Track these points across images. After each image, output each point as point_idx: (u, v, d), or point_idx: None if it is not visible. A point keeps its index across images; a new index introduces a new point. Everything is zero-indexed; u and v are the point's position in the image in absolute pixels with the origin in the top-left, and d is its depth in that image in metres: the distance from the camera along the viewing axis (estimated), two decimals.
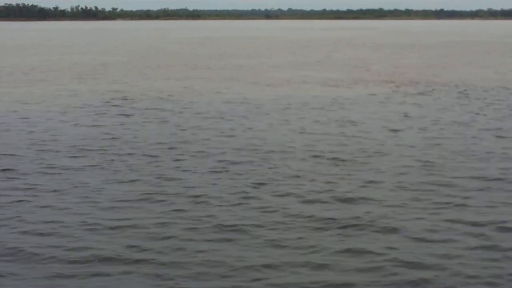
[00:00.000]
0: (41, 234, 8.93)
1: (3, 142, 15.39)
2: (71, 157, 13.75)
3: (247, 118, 18.71)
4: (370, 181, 11.51)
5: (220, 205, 10.09)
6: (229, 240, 8.64)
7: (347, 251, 8.23)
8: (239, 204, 10.18)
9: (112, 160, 13.39)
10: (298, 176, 11.88)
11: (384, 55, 48.49)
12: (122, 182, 11.60)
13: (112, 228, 9.08)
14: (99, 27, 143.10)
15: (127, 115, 19.44)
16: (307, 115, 19.17)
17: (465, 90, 25.41)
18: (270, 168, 12.52)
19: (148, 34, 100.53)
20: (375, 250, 8.23)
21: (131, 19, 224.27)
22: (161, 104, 21.77)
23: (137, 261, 7.95)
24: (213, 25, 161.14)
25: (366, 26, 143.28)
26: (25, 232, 9.03)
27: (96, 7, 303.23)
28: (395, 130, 16.72)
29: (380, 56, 46.78)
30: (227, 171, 12.30)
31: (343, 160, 13.15)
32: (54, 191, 11.07)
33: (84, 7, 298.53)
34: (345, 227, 9.09)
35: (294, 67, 37.68)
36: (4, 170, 12.56)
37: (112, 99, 23.23)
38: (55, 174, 12.25)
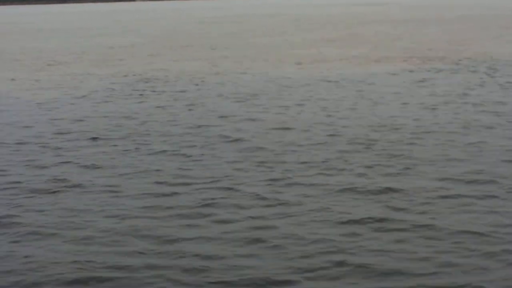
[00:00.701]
0: (60, 235, 8.44)
1: (23, 130, 15.01)
2: (93, 145, 13.29)
3: (273, 100, 18.12)
4: (406, 168, 10.84)
5: (249, 201, 9.44)
6: (263, 242, 7.98)
7: (385, 251, 7.55)
8: (268, 198, 9.53)
9: (137, 148, 12.91)
10: (328, 164, 11.28)
11: (405, 30, 47.42)
12: (147, 171, 11.10)
13: (135, 230, 8.45)
14: (118, 9, 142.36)
15: (151, 99, 18.96)
16: (335, 96, 18.52)
17: (494, 65, 24.56)
18: (299, 155, 11.92)
19: (166, 15, 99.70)
20: (417, 252, 7.52)
21: (150, 0, 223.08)
22: (185, 87, 21.25)
23: (164, 267, 7.37)
24: (229, 4, 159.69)
25: (381, 1, 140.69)
26: (41, 233, 8.54)
27: None
28: (427, 109, 16.06)
29: (401, 32, 45.74)
30: (255, 160, 11.73)
31: (375, 145, 12.50)
32: (76, 185, 10.52)
33: None
34: (381, 221, 8.42)
35: (315, 44, 36.94)
36: (27, 160, 12.15)
37: (135, 82, 22.80)
38: (75, 164, 11.76)
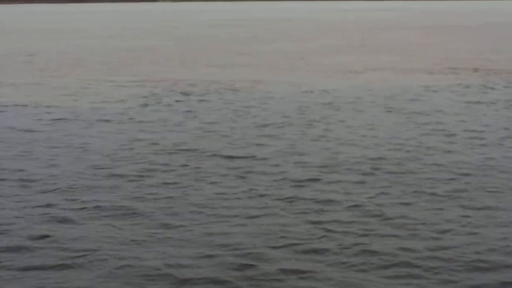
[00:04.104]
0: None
1: (42, 156, 12.88)
2: (127, 180, 10.77)
3: (314, 124, 15.69)
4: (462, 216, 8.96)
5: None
6: None
7: None
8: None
9: (192, 181, 10.72)
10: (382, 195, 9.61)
11: (432, 38, 45.33)
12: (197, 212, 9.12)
13: None
14: (138, 10, 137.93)
15: (187, 113, 16.75)
16: (387, 119, 15.98)
17: None
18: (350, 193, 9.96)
19: (187, 17, 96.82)
20: None
21: (172, 1, 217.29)
22: (217, 98, 19.21)
23: None
24: (246, 7, 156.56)
25: (399, 7, 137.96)
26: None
27: None
28: (481, 141, 13.41)
29: (430, 40, 43.69)
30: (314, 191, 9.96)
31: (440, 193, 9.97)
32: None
33: None
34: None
35: (340, 52, 35.00)
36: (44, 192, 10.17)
37: (163, 90, 20.72)
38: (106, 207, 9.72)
